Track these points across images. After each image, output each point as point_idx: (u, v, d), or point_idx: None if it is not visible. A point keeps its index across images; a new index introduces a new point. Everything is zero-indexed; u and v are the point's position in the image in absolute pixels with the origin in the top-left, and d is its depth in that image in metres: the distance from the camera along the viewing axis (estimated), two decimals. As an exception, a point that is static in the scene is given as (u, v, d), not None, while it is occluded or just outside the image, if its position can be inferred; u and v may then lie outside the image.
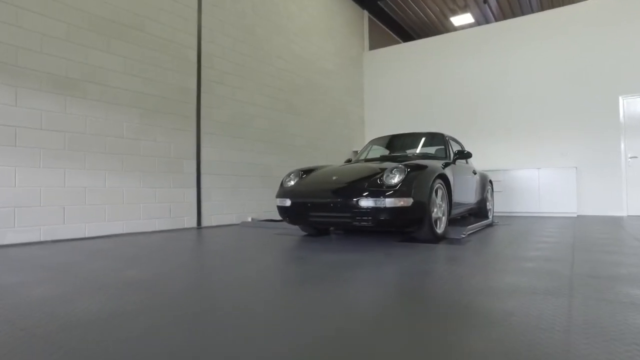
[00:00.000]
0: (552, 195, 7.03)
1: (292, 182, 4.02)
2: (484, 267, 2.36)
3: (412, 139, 5.12)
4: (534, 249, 3.08)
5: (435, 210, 3.67)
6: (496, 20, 10.86)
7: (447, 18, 11.05)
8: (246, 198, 6.32)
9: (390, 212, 3.27)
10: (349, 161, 5.22)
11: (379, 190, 3.31)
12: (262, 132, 6.71)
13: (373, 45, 10.16)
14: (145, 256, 2.94)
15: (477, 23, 11.06)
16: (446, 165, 4.15)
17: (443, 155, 4.63)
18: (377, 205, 3.26)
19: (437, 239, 3.66)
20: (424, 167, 3.61)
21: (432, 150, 4.87)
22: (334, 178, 3.69)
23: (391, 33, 11.49)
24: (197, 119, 5.57)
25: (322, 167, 4.35)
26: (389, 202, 3.24)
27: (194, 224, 5.49)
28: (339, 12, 9.11)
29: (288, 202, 3.77)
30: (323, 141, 8.22)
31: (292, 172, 4.17)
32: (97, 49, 4.40)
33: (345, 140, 8.95)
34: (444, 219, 3.85)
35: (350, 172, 3.85)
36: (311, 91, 7.96)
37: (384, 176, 3.42)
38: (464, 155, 4.54)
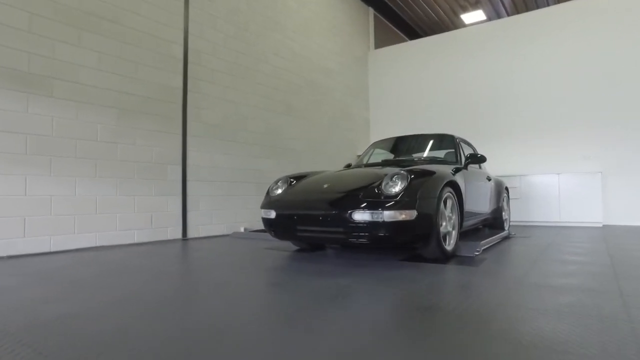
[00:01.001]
0: (575, 203, 6.41)
1: (279, 191, 3.53)
2: (505, 303, 1.82)
3: (418, 141, 4.59)
4: (565, 273, 2.52)
5: (444, 223, 3.14)
6: (509, 16, 10.28)
7: (457, 15, 10.51)
8: (239, 206, 5.84)
9: (389, 228, 2.74)
10: (348, 166, 4.71)
11: (376, 202, 2.79)
12: (257, 135, 6.23)
13: (379, 44, 9.65)
14: (95, 279, 2.46)
15: (489, 20, 10.49)
16: (457, 170, 3.61)
17: (453, 159, 4.10)
18: (374, 220, 2.74)
19: (446, 257, 3.12)
20: (431, 173, 3.09)
21: (441, 154, 4.33)
22: (325, 186, 3.18)
23: (398, 32, 10.98)
24: (183, 121, 5.12)
25: (315, 173, 3.85)
26: (387, 215, 2.72)
27: (178, 235, 5.02)
28: (342, 9, 8.64)
29: (273, 214, 3.27)
30: (325, 145, 7.72)
31: (280, 179, 3.67)
32: (65, 42, 3.97)
33: (349, 143, 8.44)
34: (454, 233, 3.31)
35: (344, 179, 3.33)
36: (312, 92, 7.48)
37: (383, 184, 2.90)
38: (477, 159, 3.99)
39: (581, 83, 6.91)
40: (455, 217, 3.36)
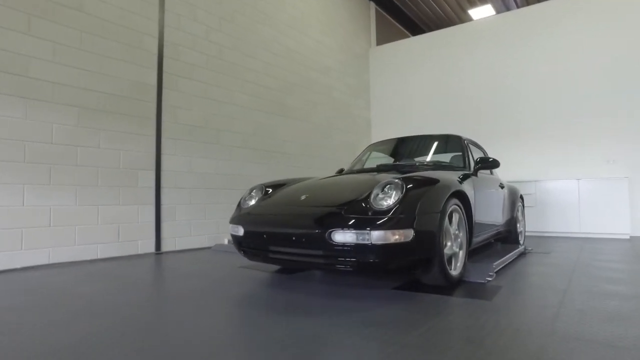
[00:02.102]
0: (597, 212, 5.75)
1: (253, 202, 2.96)
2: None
3: (420, 143, 4.01)
4: (610, 315, 1.92)
5: (449, 243, 2.55)
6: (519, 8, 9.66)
7: (464, 11, 9.91)
8: (222, 216, 5.29)
9: (379, 252, 2.16)
10: (341, 172, 4.14)
11: (362, 219, 2.21)
12: (245, 137, 5.69)
13: (381, 42, 9.08)
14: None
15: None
16: (465, 177, 3.03)
17: (460, 164, 3.50)
18: (360, 242, 2.16)
19: (451, 284, 2.54)
20: (433, 181, 2.50)
21: (446, 157, 3.74)
22: (303, 198, 2.61)
23: (402, 28, 10.40)
24: (158, 121, 4.58)
25: (297, 180, 3.28)
26: (377, 236, 2.14)
27: (151, 248, 4.47)
28: (341, 3, 8.08)
29: (241, 231, 2.70)
30: (322, 148, 7.15)
31: (255, 188, 3.11)
32: (9, 28, 3.46)
33: (349, 146, 7.86)
34: (461, 254, 2.72)
35: (327, 189, 2.76)
36: (308, 91, 6.92)
37: (372, 196, 2.33)
38: (488, 163, 3.40)
39: (604, 78, 6.26)
40: (462, 235, 2.77)
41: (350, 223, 2.20)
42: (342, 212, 2.28)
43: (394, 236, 2.16)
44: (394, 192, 2.30)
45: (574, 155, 6.33)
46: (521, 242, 4.53)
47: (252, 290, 2.55)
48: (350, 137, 7.93)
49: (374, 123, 8.61)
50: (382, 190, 2.35)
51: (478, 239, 3.29)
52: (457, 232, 2.69)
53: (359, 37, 8.49)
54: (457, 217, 2.71)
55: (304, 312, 2.02)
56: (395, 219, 2.18)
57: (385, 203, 2.27)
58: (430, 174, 2.68)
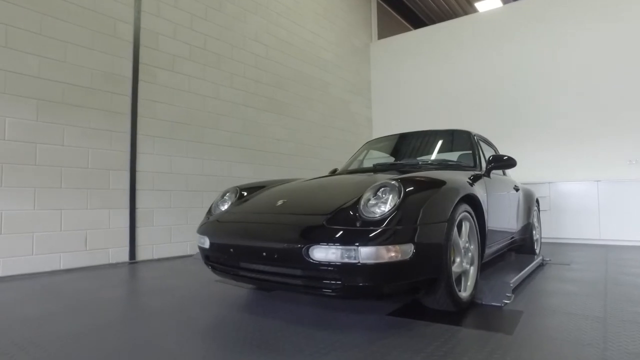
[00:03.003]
0: (619, 218, 5.25)
1: (225, 207, 2.51)
2: None
3: (424, 140, 3.54)
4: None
5: (457, 259, 2.09)
6: None
7: (470, 3, 9.44)
8: (207, 220, 4.83)
9: (370, 273, 1.70)
10: (334, 172, 3.68)
11: (348, 231, 1.75)
12: (233, 135, 5.24)
13: (382, 36, 8.62)
14: None
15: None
16: (475, 179, 2.56)
17: (470, 163, 3.03)
18: (346, 260, 1.70)
19: (460, 308, 2.07)
20: (439, 183, 2.04)
21: (453, 156, 3.27)
22: (280, 204, 2.15)
23: (405, 22, 9.94)
24: (133, 117, 4.15)
25: (279, 182, 2.83)
26: (367, 253, 1.68)
27: (124, 257, 4.03)
28: (340, -6, 7.63)
29: (207, 243, 2.25)
30: (318, 148, 6.69)
31: (228, 191, 2.65)
32: (-48, 9, 3.04)
33: (348, 146, 7.39)
34: (472, 271, 2.25)
35: (311, 193, 2.30)
36: (303, 86, 6.47)
37: (362, 202, 1.86)
38: (502, 162, 2.92)
39: (626, 70, 5.75)
40: (474, 247, 2.30)
41: (333, 236, 1.74)
42: (324, 223, 1.81)
43: (389, 253, 1.69)
44: (390, 197, 1.84)
45: (592, 155, 5.83)
46: (537, 251, 4.05)
47: (222, 314, 2.10)
48: (349, 136, 7.47)
49: (375, 121, 8.14)
50: (375, 194, 1.89)
51: (491, 250, 2.82)
52: (467, 244, 2.23)
53: (358, 30, 8.03)
54: (468, 226, 2.25)
55: (276, 349, 1.56)
56: (390, 231, 1.71)
57: (378, 211, 1.80)
58: (435, 174, 2.21)
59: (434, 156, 3.32)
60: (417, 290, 1.91)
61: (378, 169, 3.05)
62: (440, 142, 3.46)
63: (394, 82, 7.93)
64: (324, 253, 1.73)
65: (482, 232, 2.50)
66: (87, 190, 3.76)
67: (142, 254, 4.17)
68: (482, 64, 6.94)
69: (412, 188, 1.90)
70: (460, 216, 2.14)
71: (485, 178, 2.77)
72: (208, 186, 4.88)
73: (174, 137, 4.55)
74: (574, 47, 6.13)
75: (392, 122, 7.88)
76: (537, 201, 4.27)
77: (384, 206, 1.82)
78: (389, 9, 9.30)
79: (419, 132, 3.61)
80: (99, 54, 3.90)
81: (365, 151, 3.82)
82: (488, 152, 3.50)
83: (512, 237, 3.39)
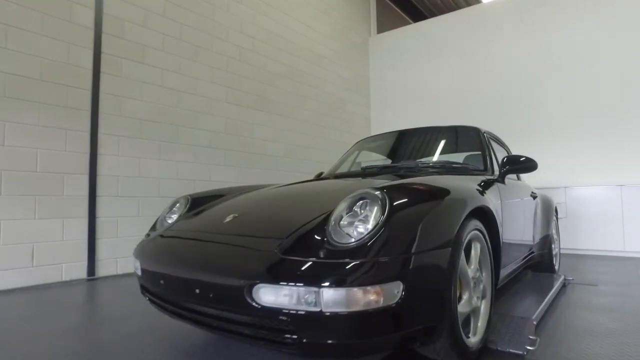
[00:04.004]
0: (646, 227, 4.67)
1: (170, 222, 1.99)
2: None
3: (425, 138, 3.00)
4: None
5: (465, 295, 1.56)
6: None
7: (476, -3, 8.90)
8: (181, 230, 4.31)
9: (338, 327, 1.17)
10: (319, 177, 3.17)
11: (309, 264, 1.22)
12: (213, 135, 4.73)
13: (382, 31, 8.10)
14: None
15: None
16: (487, 185, 2.02)
17: (480, 165, 2.49)
18: (304, 307, 1.17)
19: (468, 359, 1.53)
20: (440, 192, 1.52)
21: (459, 157, 2.73)
22: (228, 220, 1.62)
23: (406, 17, 9.41)
24: (93, 114, 3.65)
25: (244, 190, 2.31)
26: (333, 298, 1.15)
27: (82, 273, 3.52)
28: (337, -15, 7.12)
29: (139, 269, 1.73)
30: (310, 149, 6.16)
31: (178, 201, 2.14)
32: None
33: (344, 147, 6.84)
34: (484, 307, 1.73)
35: (271, 206, 1.78)
36: (294, 82, 5.96)
37: (332, 220, 1.33)
38: (520, 165, 2.37)
39: (647, 65, 5.18)
40: (486, 276, 1.77)
41: (287, 272, 1.21)
42: (277, 251, 1.28)
43: (367, 297, 1.16)
44: (371, 213, 1.31)
45: (614, 157, 5.24)
46: (556, 267, 3.49)
47: (162, 358, 1.58)
48: (346, 137, 6.93)
49: (374, 121, 7.60)
50: (350, 209, 1.36)
51: (506, 272, 2.28)
52: (477, 272, 1.69)
53: (356, 24, 7.51)
54: (479, 248, 1.71)
55: None
56: (369, 264, 1.19)
57: (353, 233, 1.28)
58: (436, 180, 1.68)
59: (435, 157, 2.79)
60: (409, 342, 1.38)
61: (367, 172, 2.52)
62: (443, 141, 2.92)
63: (395, 79, 7.39)
64: (273, 295, 1.20)
65: (495, 252, 1.96)
66: (34, 197, 3.26)
67: (103, 270, 3.66)
68: (491, 57, 6.39)
69: (402, 200, 1.37)
70: (470, 236, 1.61)
71: (498, 184, 2.23)
72: (184, 191, 4.36)
73: (143, 136, 4.04)
74: (593, 38, 5.57)
75: (392, 122, 7.33)
76: (556, 210, 3.71)
77: (361, 226, 1.29)
78: (388, 1, 8.78)
79: (419, 129, 3.08)
80: (51, 40, 3.41)
81: (356, 152, 3.29)
82: (500, 153, 2.96)
83: (530, 253, 2.85)
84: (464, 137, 2.77)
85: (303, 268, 1.20)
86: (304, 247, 1.27)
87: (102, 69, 3.73)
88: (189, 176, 4.44)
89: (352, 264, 1.18)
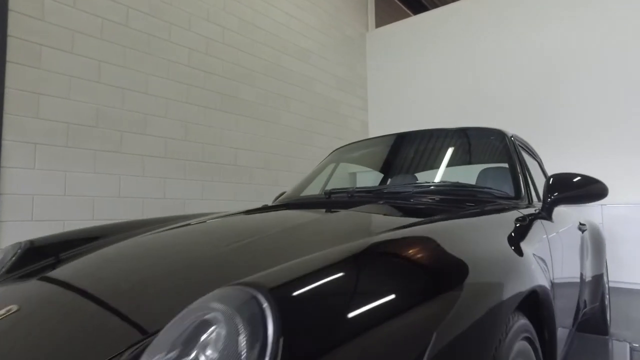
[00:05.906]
0: None
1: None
2: None
3: (428, 145, 2.12)
4: None
5: None
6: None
7: (487, -12, 8.00)
8: (122, 262, 3.45)
9: None
10: (278, 197, 2.32)
11: None
12: (168, 142, 3.89)
13: (381, 25, 7.24)
14: None
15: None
16: (529, 232, 1.12)
17: (506, 187, 1.57)
18: None
19: None
20: (447, 278, 0.61)
21: (474, 172, 1.82)
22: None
23: (407, 10, 8.56)
24: (-4, 115, 2.82)
25: (134, 229, 1.44)
26: None
27: (-28, 326, 2.65)
28: (329, -28, 6.30)
29: None
30: (296, 159, 5.29)
31: (7, 250, 1.27)
32: None
33: (337, 156, 5.97)
34: None
35: (117, 289, 0.90)
36: (276, 81, 5.11)
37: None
38: (577, 191, 1.46)
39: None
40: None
41: None
42: None
43: None
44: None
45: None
46: (609, 324, 2.55)
47: None
48: (338, 144, 6.02)
49: (371, 126, 6.71)
50: (186, 346, 0.47)
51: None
52: None
53: (351, 17, 6.66)
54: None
55: None
56: None
57: None
58: (433, 231, 0.79)
59: (440, 172, 1.89)
60: None
61: (333, 199, 1.63)
62: (451, 149, 2.02)
63: (395, 79, 6.51)
64: None
65: (546, 346, 1.06)
66: None
67: (6, 318, 2.80)
68: (504, 51, 5.49)
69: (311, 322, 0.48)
70: (517, 348, 0.72)
71: (543, 222, 1.33)
72: (127, 213, 3.52)
73: (71, 144, 3.21)
74: (623, 26, 4.64)
75: (392, 127, 6.41)
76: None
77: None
78: (390, -6, 7.94)
79: (419, 133, 2.20)
80: None
81: (334, 165, 2.43)
82: (533, 166, 2.05)
83: (583, 315, 1.93)
84: (484, 143, 1.88)
85: None
86: None
87: (9, 57, 2.90)
88: (135, 193, 3.59)
89: None
